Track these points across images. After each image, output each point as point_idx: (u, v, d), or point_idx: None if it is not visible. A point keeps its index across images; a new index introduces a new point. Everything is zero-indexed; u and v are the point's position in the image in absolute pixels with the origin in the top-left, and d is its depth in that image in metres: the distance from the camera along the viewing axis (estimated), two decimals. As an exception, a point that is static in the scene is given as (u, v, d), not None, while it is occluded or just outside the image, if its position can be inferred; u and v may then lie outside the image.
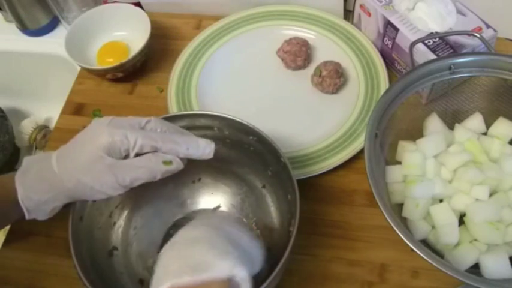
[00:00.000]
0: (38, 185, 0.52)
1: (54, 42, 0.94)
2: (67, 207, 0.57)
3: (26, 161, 0.55)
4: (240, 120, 0.61)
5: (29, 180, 0.53)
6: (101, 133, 0.50)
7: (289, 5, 0.88)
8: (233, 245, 0.45)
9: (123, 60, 0.81)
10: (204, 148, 0.53)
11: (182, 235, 0.48)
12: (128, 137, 0.50)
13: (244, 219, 0.66)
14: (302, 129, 0.76)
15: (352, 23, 0.85)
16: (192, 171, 0.69)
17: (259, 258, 0.49)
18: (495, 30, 0.71)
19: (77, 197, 0.54)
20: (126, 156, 0.51)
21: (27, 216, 0.54)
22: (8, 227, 0.72)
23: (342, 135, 0.73)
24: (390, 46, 0.77)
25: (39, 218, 0.55)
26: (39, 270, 0.68)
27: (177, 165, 0.52)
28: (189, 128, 0.64)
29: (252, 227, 0.59)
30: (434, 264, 0.50)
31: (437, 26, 0.73)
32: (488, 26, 0.72)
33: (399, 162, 0.65)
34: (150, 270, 0.59)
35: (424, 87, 0.64)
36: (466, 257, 0.58)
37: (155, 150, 0.51)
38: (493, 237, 0.58)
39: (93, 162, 0.50)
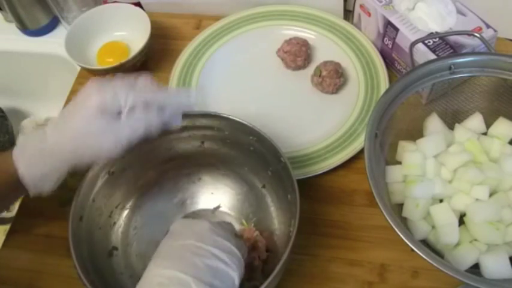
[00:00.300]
0: (38, 160, 0.52)
1: (54, 42, 0.94)
2: (67, 208, 0.57)
3: (22, 138, 0.54)
4: (240, 120, 0.61)
5: (28, 156, 0.52)
6: (91, 94, 0.51)
7: (289, 5, 0.88)
8: (197, 281, 0.46)
9: (123, 60, 0.81)
10: (193, 96, 0.56)
11: (151, 272, 0.48)
12: (119, 94, 0.51)
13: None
14: (302, 129, 0.76)
15: (352, 23, 0.85)
16: (192, 171, 0.69)
17: (235, 272, 0.49)
18: (495, 30, 0.71)
19: (78, 163, 0.53)
20: (120, 114, 0.51)
21: (31, 193, 0.53)
22: (8, 227, 0.72)
23: (342, 135, 0.73)
24: (390, 46, 0.77)
25: (44, 191, 0.54)
26: (39, 270, 0.68)
27: (170, 116, 0.54)
28: (189, 128, 0.65)
29: (233, 229, 0.57)
30: (434, 264, 0.50)
31: (437, 26, 0.73)
32: (488, 26, 0.72)
33: (399, 162, 0.65)
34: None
35: (424, 87, 0.64)
36: (466, 257, 0.58)
37: (147, 106, 0.52)
38: (493, 237, 0.58)
39: (89, 124, 0.50)
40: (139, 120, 0.52)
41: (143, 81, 0.54)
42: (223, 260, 0.48)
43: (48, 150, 0.52)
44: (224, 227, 0.54)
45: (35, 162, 0.52)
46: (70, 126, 0.51)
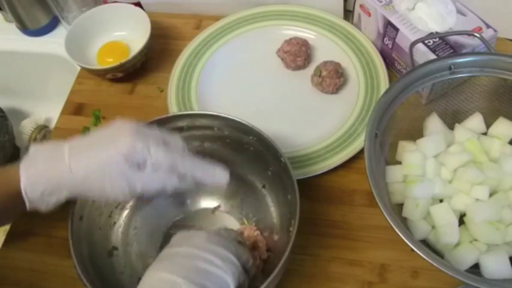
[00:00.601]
0: (45, 174, 0.50)
1: (54, 42, 0.94)
2: (67, 207, 0.57)
3: (34, 149, 0.52)
4: (240, 120, 0.61)
5: (36, 168, 0.50)
6: (124, 138, 0.50)
7: (289, 5, 0.88)
8: (188, 282, 0.45)
9: (123, 60, 0.81)
10: (219, 175, 0.54)
11: (144, 276, 0.48)
12: (150, 149, 0.50)
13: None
14: (302, 129, 0.76)
15: (352, 23, 0.85)
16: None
17: (230, 277, 0.48)
18: (495, 30, 0.71)
19: (83, 193, 0.51)
20: (143, 166, 0.50)
21: (28, 206, 0.51)
22: (8, 227, 0.72)
23: (342, 135, 0.73)
24: (390, 46, 0.77)
25: (41, 209, 0.52)
26: (39, 270, 0.68)
27: (189, 184, 0.53)
28: (189, 128, 0.65)
29: (235, 236, 0.56)
30: (434, 264, 0.50)
31: (437, 26, 0.73)
32: (488, 26, 0.72)
33: (399, 162, 0.65)
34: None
35: (424, 87, 0.64)
36: (466, 257, 0.58)
37: (171, 168, 0.51)
38: (493, 237, 0.58)
39: (109, 164, 0.49)
40: (158, 179, 0.51)
41: (177, 142, 0.53)
42: (216, 264, 0.48)
43: (58, 170, 0.50)
44: (223, 236, 0.53)
45: (41, 176, 0.50)
46: (89, 158, 0.50)
